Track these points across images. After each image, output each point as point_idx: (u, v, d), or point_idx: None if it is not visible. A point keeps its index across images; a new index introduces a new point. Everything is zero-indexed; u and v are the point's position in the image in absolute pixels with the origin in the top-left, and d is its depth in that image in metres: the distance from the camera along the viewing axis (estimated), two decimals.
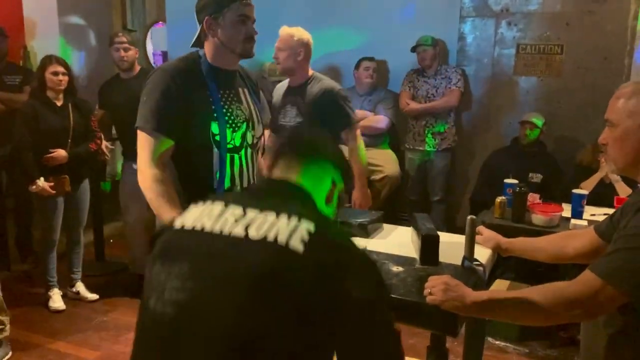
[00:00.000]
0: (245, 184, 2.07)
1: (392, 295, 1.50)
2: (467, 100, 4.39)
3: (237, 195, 1.20)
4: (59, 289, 3.64)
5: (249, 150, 2.09)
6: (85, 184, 3.64)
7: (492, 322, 3.31)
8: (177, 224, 1.15)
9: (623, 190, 3.25)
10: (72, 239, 3.67)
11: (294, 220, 1.05)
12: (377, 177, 4.29)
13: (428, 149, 4.29)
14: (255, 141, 2.13)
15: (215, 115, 1.95)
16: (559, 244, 1.71)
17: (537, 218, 2.99)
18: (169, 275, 1.07)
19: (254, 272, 1.01)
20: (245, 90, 2.11)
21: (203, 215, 1.12)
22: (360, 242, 1.73)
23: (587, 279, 1.24)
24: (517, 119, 4.02)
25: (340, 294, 1.00)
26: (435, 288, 1.44)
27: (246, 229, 1.06)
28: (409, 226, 2.02)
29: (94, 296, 3.69)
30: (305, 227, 1.04)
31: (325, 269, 1.01)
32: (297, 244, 1.01)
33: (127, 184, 3.77)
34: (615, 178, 3.34)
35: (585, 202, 3.05)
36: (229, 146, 1.99)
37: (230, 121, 1.99)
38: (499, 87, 4.34)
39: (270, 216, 1.07)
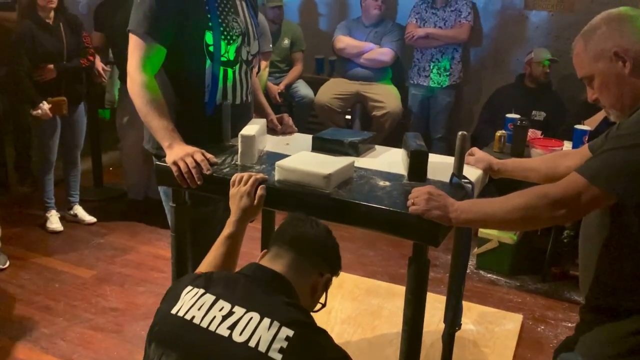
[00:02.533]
0: (237, 101, 2.03)
1: (376, 206, 1.48)
2: (476, 35, 4.27)
3: (228, 284, 1.24)
4: (57, 211, 3.66)
5: (244, 67, 2.03)
6: (82, 108, 3.61)
7: (483, 255, 3.34)
8: (174, 309, 1.22)
9: None
10: (70, 161, 3.67)
11: (275, 326, 1.12)
12: (378, 112, 4.24)
13: (432, 85, 4.20)
14: (250, 58, 2.07)
15: (210, 24, 1.89)
16: (552, 163, 1.68)
17: (536, 152, 2.95)
18: (160, 359, 1.18)
19: None
20: (244, 3, 2.03)
21: (195, 307, 1.20)
22: (349, 159, 1.72)
23: (572, 179, 1.22)
24: (526, 55, 3.91)
25: None
26: (419, 198, 1.42)
27: (230, 329, 1.14)
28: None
29: (92, 219, 3.72)
30: (285, 334, 1.12)
31: None
32: (275, 354, 1.10)
33: (124, 110, 3.74)
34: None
35: (587, 139, 2.99)
36: (223, 59, 1.94)
37: (225, 32, 1.92)
38: (508, 22, 4.21)
39: (255, 317, 1.14)
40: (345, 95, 4.32)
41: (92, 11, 4.10)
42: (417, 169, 1.66)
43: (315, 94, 4.40)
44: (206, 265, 1.52)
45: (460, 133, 1.62)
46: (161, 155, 1.94)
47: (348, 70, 4.30)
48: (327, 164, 1.61)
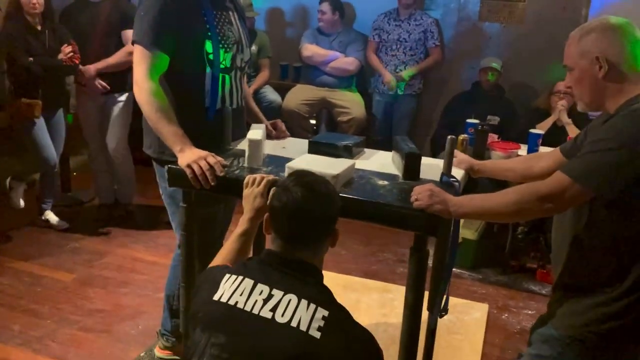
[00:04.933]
0: (234, 106, 2.15)
1: (381, 202, 1.66)
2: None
3: (262, 270, 1.36)
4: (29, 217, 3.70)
5: (238, 73, 2.17)
6: (60, 113, 3.61)
7: None
8: (216, 296, 1.33)
9: (573, 132, 3.50)
10: (46, 167, 3.64)
11: (312, 308, 1.26)
12: (344, 118, 4.43)
13: (400, 93, 4.43)
14: (243, 65, 2.20)
15: (209, 34, 2.01)
16: (527, 163, 1.90)
17: (496, 154, 3.21)
18: (207, 342, 1.28)
19: (279, 354, 1.23)
20: (235, 14, 2.17)
21: (237, 292, 1.31)
22: (350, 161, 1.88)
23: (558, 178, 1.43)
24: (479, 64, 4.20)
25: None
26: (422, 194, 1.60)
27: (273, 311, 1.26)
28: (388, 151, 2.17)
29: (64, 224, 3.72)
30: (321, 314, 1.25)
31: (336, 353, 1.24)
32: (314, 332, 1.23)
33: (89, 112, 3.75)
34: (566, 120, 3.59)
35: (540, 142, 3.28)
36: (222, 66, 2.06)
37: (222, 42, 2.05)
38: (464, 33, 4.50)
39: (293, 300, 1.27)
40: (312, 101, 4.48)
41: (57, 15, 4.08)
42: (412, 169, 1.85)
43: (282, 99, 4.54)
44: (221, 259, 1.63)
45: (449, 137, 1.81)
46: (162, 160, 2.05)
47: (315, 78, 4.47)
48: (333, 165, 1.78)
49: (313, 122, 4.68)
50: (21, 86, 3.32)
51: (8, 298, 2.91)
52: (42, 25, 3.38)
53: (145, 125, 2.11)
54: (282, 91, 4.60)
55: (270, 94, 4.55)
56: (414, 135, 4.64)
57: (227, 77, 2.10)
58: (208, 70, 2.03)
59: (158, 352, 2.46)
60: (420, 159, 1.86)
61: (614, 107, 1.46)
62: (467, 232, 3.52)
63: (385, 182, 1.82)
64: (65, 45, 3.36)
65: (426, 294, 2.23)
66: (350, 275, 3.33)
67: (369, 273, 3.39)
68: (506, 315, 3.05)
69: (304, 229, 1.38)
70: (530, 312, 3.07)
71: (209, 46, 2.01)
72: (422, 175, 1.88)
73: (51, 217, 3.73)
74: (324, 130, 4.57)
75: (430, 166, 1.96)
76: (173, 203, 2.11)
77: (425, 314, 2.29)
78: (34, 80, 3.34)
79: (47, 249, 3.45)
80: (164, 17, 1.93)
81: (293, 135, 2.46)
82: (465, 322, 2.94)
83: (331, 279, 3.35)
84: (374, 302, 3.11)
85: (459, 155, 2.08)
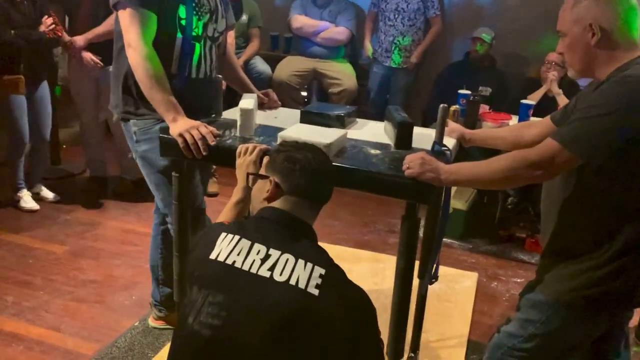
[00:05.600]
0: (201, 75, 2.11)
1: (373, 170, 1.66)
2: None
3: (259, 229, 1.37)
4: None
5: (209, 43, 2.12)
6: (45, 85, 3.55)
7: None
8: (213, 255, 1.33)
9: (564, 102, 3.51)
10: (39, 141, 3.61)
11: (309, 266, 1.28)
12: (334, 90, 4.41)
13: (393, 65, 4.41)
14: (217, 35, 2.16)
15: None
16: (518, 132, 1.91)
17: (488, 125, 3.21)
18: (204, 301, 1.29)
19: (278, 310, 1.24)
20: None
21: (234, 252, 1.32)
22: (342, 130, 1.88)
23: (548, 144, 1.44)
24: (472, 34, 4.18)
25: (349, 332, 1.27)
26: (413, 162, 1.61)
27: (271, 270, 1.28)
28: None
29: (55, 196, 3.71)
30: (318, 272, 1.27)
31: (334, 309, 1.26)
32: (313, 289, 1.25)
33: (83, 85, 3.70)
34: (557, 91, 3.60)
35: (532, 112, 3.29)
36: (193, 33, 2.03)
37: (197, 8, 2.02)
38: (458, 2, 4.46)
39: (290, 259, 1.29)
40: (303, 72, 4.45)
41: None
42: (404, 138, 1.85)
43: (272, 70, 4.50)
44: None
45: (441, 106, 1.81)
46: (131, 119, 2.05)
47: (305, 49, 4.44)
48: (325, 134, 1.78)
49: (304, 93, 4.65)
50: (3, 61, 3.23)
51: (1, 270, 2.91)
52: None
53: (112, 83, 2.10)
54: (273, 62, 4.56)
55: (260, 65, 4.50)
56: (408, 108, 4.64)
57: (197, 44, 2.06)
58: (179, 35, 1.99)
59: (152, 322, 2.49)
60: (412, 128, 1.87)
61: (605, 74, 1.46)
62: (457, 202, 3.55)
63: (378, 151, 1.82)
64: (46, 17, 3.29)
65: (417, 262, 2.27)
66: (342, 246, 3.37)
67: (360, 243, 3.42)
68: (495, 283, 3.10)
69: (323, 185, 1.44)
70: (519, 280, 3.12)
71: (182, 11, 1.98)
72: (414, 145, 1.88)
73: (42, 190, 3.71)
74: (315, 102, 4.55)
75: (422, 135, 1.97)
76: (145, 164, 2.11)
77: (416, 281, 2.34)
78: (16, 54, 3.27)
79: (38, 222, 3.44)
80: None
81: (284, 106, 2.44)
82: (455, 290, 2.99)
83: None
84: (365, 272, 3.15)
85: (450, 124, 2.08)
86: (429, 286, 2.24)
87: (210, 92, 2.16)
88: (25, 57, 3.32)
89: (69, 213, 3.59)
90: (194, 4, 2.00)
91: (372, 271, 3.16)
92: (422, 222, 2.23)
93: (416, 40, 4.37)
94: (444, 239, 3.54)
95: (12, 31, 3.20)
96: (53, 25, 3.32)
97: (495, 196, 3.73)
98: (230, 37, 2.47)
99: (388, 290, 1.89)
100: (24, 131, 3.46)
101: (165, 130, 1.88)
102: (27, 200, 3.57)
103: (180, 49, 2.01)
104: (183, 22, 1.99)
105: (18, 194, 3.58)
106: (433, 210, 2.15)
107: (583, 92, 1.64)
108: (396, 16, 4.32)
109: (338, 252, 3.28)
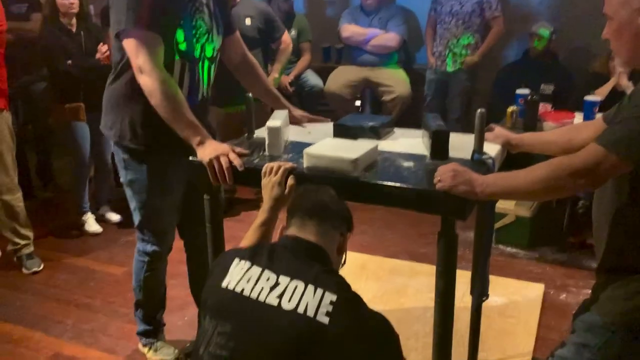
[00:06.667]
0: (200, 97, 2.09)
1: (404, 185, 1.56)
2: None
3: (271, 255, 1.34)
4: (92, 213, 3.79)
5: (206, 63, 2.09)
6: None
7: (501, 230, 3.41)
8: (224, 283, 1.31)
9: None
10: (101, 164, 3.75)
11: (319, 293, 1.22)
12: (388, 97, 4.31)
13: (448, 70, 4.25)
14: (215, 54, 2.12)
15: (182, 22, 1.94)
16: (568, 135, 1.74)
17: (548, 125, 3.00)
18: (214, 331, 1.27)
19: (285, 339, 1.19)
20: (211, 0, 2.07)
21: (244, 279, 1.29)
22: (372, 143, 1.79)
23: (591, 149, 1.29)
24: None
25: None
26: (444, 175, 1.49)
27: (279, 297, 1.23)
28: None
29: (120, 218, 3.83)
30: (329, 299, 1.21)
31: (346, 338, 1.19)
32: (322, 317, 1.19)
33: None
34: (626, 84, 3.31)
35: (597, 109, 3.04)
36: (191, 56, 2.00)
37: (194, 31, 1.98)
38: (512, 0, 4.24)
39: (300, 286, 1.24)
40: (354, 82, 4.38)
41: (100, 12, 4.16)
42: (439, 148, 1.73)
43: (324, 83, 4.46)
44: None
45: (478, 111, 1.68)
46: (123, 145, 2.05)
47: (356, 58, 4.37)
48: (353, 149, 1.69)
49: (358, 103, 4.58)
50: (63, 90, 3.39)
51: (64, 293, 3.02)
52: (77, 26, 3.43)
53: (107, 103, 2.09)
54: (325, 74, 4.53)
55: (312, 79, 4.48)
56: (471, 112, 4.44)
57: (195, 67, 2.03)
58: (177, 58, 1.97)
59: None
60: (448, 137, 1.74)
61: None
62: (521, 208, 3.35)
63: (411, 164, 1.72)
64: (102, 44, 3.41)
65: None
66: (397, 259, 3.24)
67: (417, 256, 3.28)
68: (564, 295, 2.88)
69: (319, 205, 1.42)
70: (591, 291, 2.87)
71: (180, 35, 1.94)
72: (453, 154, 1.76)
73: (106, 211, 3.85)
74: (369, 112, 4.46)
75: (462, 143, 1.84)
76: (130, 189, 2.15)
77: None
78: (74, 83, 3.41)
79: (101, 244, 3.57)
80: (154, 2, 1.84)
81: (338, 118, 2.36)
82: (519, 303, 2.80)
83: (376, 263, 3.29)
84: (422, 287, 3.00)
85: (495, 129, 1.94)
86: (489, 301, 2.10)
87: (206, 114, 2.16)
88: (85, 84, 3.46)
89: (131, 234, 3.66)
90: (191, 26, 1.97)
91: (429, 286, 2.97)
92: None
93: (472, 44, 4.18)
94: (507, 249, 3.38)
95: (68, 61, 3.35)
96: (108, 52, 3.44)
97: (564, 200, 3.48)
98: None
99: None
100: (86, 156, 3.60)
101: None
102: (91, 223, 3.70)
103: (179, 73, 1.99)
104: (181, 47, 1.96)
105: (83, 217, 3.72)
106: (481, 222, 2.00)
107: (637, 89, 1.47)
108: (450, 19, 4.16)
109: (392, 266, 3.16)
